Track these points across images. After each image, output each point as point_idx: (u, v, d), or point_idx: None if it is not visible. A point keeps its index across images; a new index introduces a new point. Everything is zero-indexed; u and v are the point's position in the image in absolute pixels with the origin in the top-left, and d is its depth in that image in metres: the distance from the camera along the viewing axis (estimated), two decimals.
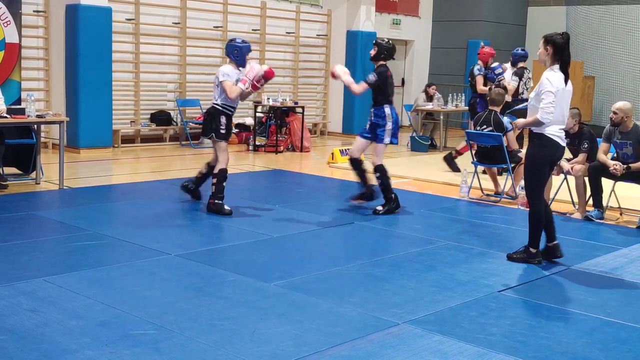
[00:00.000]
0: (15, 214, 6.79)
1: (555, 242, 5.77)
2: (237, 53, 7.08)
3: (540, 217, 5.58)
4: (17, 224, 6.40)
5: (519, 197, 8.14)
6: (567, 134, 7.70)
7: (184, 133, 12.67)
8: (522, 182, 8.25)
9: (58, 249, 5.76)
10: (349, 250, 6.06)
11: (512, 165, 8.41)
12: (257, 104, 12.89)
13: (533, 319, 4.44)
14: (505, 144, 8.25)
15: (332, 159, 11.08)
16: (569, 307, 4.69)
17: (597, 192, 7.40)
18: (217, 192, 7.04)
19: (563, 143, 5.58)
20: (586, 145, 7.55)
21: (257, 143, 12.48)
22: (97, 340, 3.80)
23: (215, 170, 7.10)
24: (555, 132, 5.47)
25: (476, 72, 10.67)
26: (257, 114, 12.89)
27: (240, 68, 7.14)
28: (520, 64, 10.40)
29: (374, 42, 7.55)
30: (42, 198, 7.83)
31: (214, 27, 13.29)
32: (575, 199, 7.75)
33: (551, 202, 7.85)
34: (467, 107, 14.52)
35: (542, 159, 5.53)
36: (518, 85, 10.24)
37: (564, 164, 7.61)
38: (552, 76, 5.35)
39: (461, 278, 5.26)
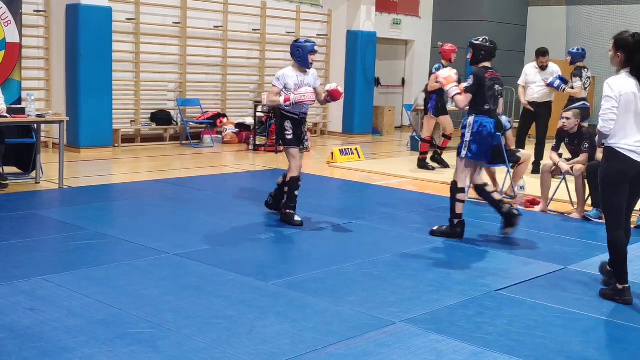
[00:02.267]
0: (15, 213, 6.81)
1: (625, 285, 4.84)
2: (299, 53, 6.65)
3: (619, 245, 4.73)
4: (17, 223, 6.41)
5: (517, 196, 8.15)
6: (567, 134, 7.75)
7: (184, 133, 12.69)
8: (521, 182, 8.30)
9: (57, 248, 5.78)
10: (347, 250, 6.07)
11: (511, 164, 8.42)
12: (257, 103, 12.90)
13: (530, 318, 4.45)
14: (503, 143, 8.26)
15: (332, 159, 11.09)
16: (566, 306, 4.71)
17: (595, 191, 7.40)
18: (288, 201, 6.73)
19: None
20: (587, 145, 7.56)
21: (257, 142, 12.49)
22: (96, 339, 3.82)
23: (287, 179, 6.78)
24: (628, 145, 4.67)
25: (434, 70, 10.65)
26: (257, 114, 12.91)
27: (306, 70, 6.72)
28: (579, 64, 10.30)
29: (469, 44, 6.64)
30: (42, 197, 7.85)
31: (214, 26, 13.30)
32: (574, 199, 7.76)
33: (550, 202, 7.88)
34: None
35: (612, 177, 4.72)
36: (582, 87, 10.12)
37: (563, 165, 7.62)
38: (614, 81, 4.72)
39: (458, 277, 5.28)
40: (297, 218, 6.66)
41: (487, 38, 6.44)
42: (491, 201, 6.51)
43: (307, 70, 6.72)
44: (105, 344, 3.76)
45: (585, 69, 10.29)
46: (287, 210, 6.71)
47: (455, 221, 6.38)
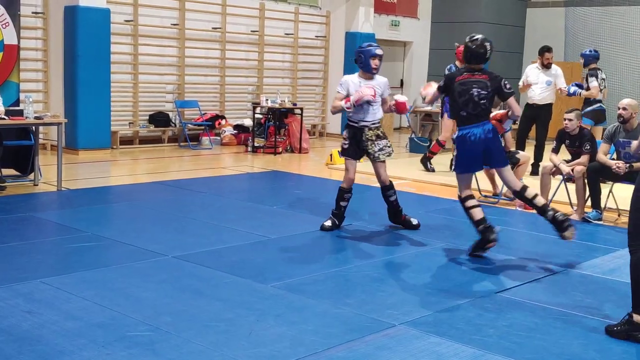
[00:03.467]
0: (13, 215, 6.79)
1: None
2: (361, 59, 6.41)
3: None
4: (15, 225, 6.40)
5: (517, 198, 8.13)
6: (568, 135, 7.74)
7: (182, 134, 12.68)
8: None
9: (55, 250, 5.76)
10: (346, 252, 6.06)
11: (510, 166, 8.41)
12: (255, 105, 12.89)
13: (530, 320, 4.44)
14: (503, 145, 8.24)
15: (331, 161, 11.08)
16: (566, 308, 4.69)
17: (595, 193, 7.40)
18: (333, 208, 6.68)
19: None
20: (588, 147, 7.55)
21: (256, 144, 12.48)
22: (94, 342, 3.80)
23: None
24: None
25: (447, 71, 10.62)
26: (256, 115, 12.90)
27: (372, 76, 6.45)
28: (592, 65, 10.26)
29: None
30: (40, 199, 7.83)
31: (212, 28, 13.29)
32: (574, 200, 7.75)
33: (549, 204, 7.86)
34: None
35: None
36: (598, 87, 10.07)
37: (564, 167, 7.61)
38: None
39: (458, 279, 5.27)
40: (326, 223, 6.64)
41: (484, 38, 5.84)
42: (534, 207, 5.87)
43: (373, 76, 6.44)
44: (104, 347, 3.74)
45: (600, 70, 10.24)
46: (331, 216, 6.68)
47: (480, 227, 5.87)
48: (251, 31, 13.94)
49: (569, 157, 7.89)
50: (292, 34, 14.70)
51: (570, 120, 7.60)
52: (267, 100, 12.49)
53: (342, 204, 6.60)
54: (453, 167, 6.21)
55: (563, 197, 8.03)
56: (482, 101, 5.72)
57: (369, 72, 6.41)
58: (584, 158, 7.52)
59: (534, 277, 5.38)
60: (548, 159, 7.99)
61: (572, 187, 7.74)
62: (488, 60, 5.85)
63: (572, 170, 7.50)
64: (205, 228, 6.59)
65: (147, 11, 12.23)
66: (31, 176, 8.52)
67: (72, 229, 6.33)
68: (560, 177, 7.87)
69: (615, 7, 16.55)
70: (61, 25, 10.96)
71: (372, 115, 6.43)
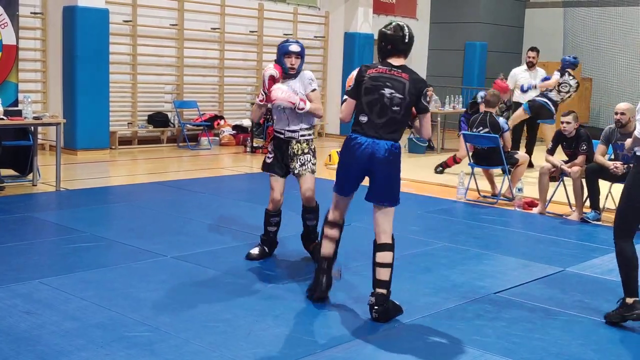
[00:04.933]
0: (11, 215, 6.79)
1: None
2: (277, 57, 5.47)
3: (629, 254, 4.38)
4: (14, 226, 6.39)
5: (515, 198, 8.15)
6: (564, 137, 7.75)
7: (181, 135, 12.67)
8: (519, 184, 8.30)
9: (54, 250, 5.76)
10: (345, 252, 6.05)
11: (509, 166, 8.42)
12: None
13: (528, 320, 4.44)
14: (501, 145, 8.26)
15: (330, 161, 11.08)
16: (565, 308, 4.70)
17: (594, 193, 7.41)
18: (262, 234, 5.79)
19: None
20: (584, 147, 7.56)
21: (255, 144, 12.47)
22: (93, 342, 3.80)
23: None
24: None
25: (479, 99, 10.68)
26: None
27: (290, 75, 5.41)
28: (568, 70, 10.32)
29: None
30: (39, 200, 7.82)
31: (211, 28, 13.28)
32: (572, 201, 7.75)
33: (548, 204, 7.88)
34: (464, 109, 14.57)
35: (635, 189, 4.34)
36: (557, 81, 10.20)
37: (565, 167, 7.62)
38: None
39: (457, 280, 5.27)
40: (252, 250, 5.67)
41: (402, 24, 4.40)
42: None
43: (293, 76, 5.37)
44: (103, 348, 3.74)
45: (572, 77, 10.29)
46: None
47: (317, 266, 4.72)
48: (250, 31, 13.94)
49: (565, 158, 7.90)
50: (291, 35, 14.69)
51: (568, 122, 7.61)
52: None
53: (270, 229, 5.63)
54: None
55: (562, 198, 8.04)
56: (395, 108, 4.28)
57: (285, 73, 5.33)
58: (580, 158, 7.53)
59: (532, 277, 5.39)
60: (543, 158, 8.00)
61: (570, 187, 7.75)
62: (409, 51, 4.40)
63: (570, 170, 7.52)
64: (203, 228, 6.58)
65: (146, 11, 12.21)
66: (30, 176, 8.51)
67: (71, 229, 6.33)
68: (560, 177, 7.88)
69: (613, 8, 16.56)
70: (60, 25, 10.95)
71: (295, 124, 5.37)
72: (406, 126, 4.47)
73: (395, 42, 4.33)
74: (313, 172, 5.50)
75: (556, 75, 10.26)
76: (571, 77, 10.28)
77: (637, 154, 4.34)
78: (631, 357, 3.98)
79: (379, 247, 4.43)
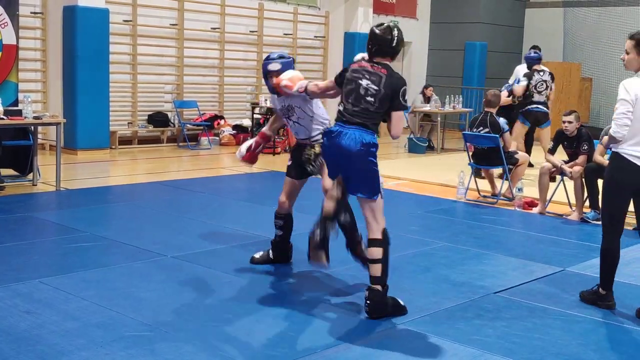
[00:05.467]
0: (12, 215, 6.79)
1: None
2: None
3: (612, 252, 4.65)
4: (14, 226, 6.39)
5: (515, 198, 8.15)
6: (566, 137, 7.75)
7: (181, 134, 12.67)
8: (519, 184, 8.30)
9: (54, 250, 5.76)
10: (345, 252, 6.06)
11: (509, 166, 8.42)
12: (254, 105, 12.89)
13: (528, 320, 4.44)
14: (501, 146, 8.26)
15: None
16: (564, 308, 4.70)
17: (593, 193, 7.40)
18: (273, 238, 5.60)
19: None
20: (586, 147, 7.56)
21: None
22: (93, 342, 3.80)
23: None
24: (635, 152, 4.44)
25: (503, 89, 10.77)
26: (255, 116, 12.90)
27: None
28: (534, 67, 10.39)
29: None
30: (39, 199, 7.82)
31: (211, 28, 13.28)
32: (572, 201, 7.76)
33: (548, 204, 7.88)
34: (464, 109, 14.59)
35: (616, 184, 4.51)
36: (527, 87, 10.20)
37: (566, 167, 7.62)
38: (630, 83, 4.50)
39: (457, 279, 5.27)
40: (255, 254, 5.50)
41: (393, 26, 4.41)
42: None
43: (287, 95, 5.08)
44: (103, 347, 3.74)
45: (541, 72, 10.29)
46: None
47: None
48: (250, 31, 13.94)
49: (565, 157, 7.90)
50: (291, 34, 14.70)
51: (570, 122, 7.60)
52: (266, 100, 12.47)
53: (276, 232, 5.43)
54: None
55: (562, 198, 8.04)
56: (369, 98, 4.32)
57: (272, 93, 5.24)
58: (582, 158, 7.53)
59: (532, 277, 5.39)
60: (545, 160, 8.01)
61: (570, 187, 7.75)
62: (396, 54, 4.42)
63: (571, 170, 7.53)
64: (204, 228, 6.58)
65: (146, 11, 12.22)
66: (30, 176, 8.51)
67: (71, 229, 6.33)
68: (559, 177, 7.88)
69: (613, 8, 16.57)
70: (60, 25, 10.95)
71: (304, 132, 5.23)
72: (380, 120, 4.43)
73: (381, 44, 4.36)
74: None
75: (523, 82, 10.26)
76: (542, 73, 10.30)
77: (613, 150, 4.51)
78: (631, 358, 3.98)
79: (368, 243, 4.40)
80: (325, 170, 4.86)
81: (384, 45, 4.35)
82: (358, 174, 4.34)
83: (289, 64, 5.17)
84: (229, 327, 4.11)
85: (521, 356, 3.87)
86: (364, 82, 4.34)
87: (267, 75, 5.13)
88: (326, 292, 4.83)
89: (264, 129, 5.53)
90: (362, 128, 4.34)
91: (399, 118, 4.41)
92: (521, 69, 11.11)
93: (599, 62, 16.69)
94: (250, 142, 5.52)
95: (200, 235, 6.31)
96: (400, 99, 4.32)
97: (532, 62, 10.47)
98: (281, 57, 5.21)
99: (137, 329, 4.02)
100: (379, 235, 4.36)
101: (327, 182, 4.75)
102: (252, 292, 4.78)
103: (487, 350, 3.92)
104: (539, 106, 10.19)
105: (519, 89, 10.25)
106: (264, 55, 13.94)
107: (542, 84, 10.22)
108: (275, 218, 5.44)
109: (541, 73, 10.28)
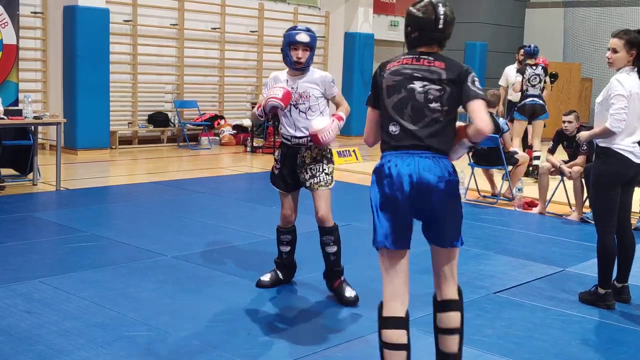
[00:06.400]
0: (12, 215, 6.79)
1: (624, 284, 4.87)
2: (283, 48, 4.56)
3: (609, 249, 4.69)
4: (14, 225, 6.39)
5: (515, 198, 8.15)
6: (565, 136, 7.75)
7: (181, 134, 12.68)
8: (519, 184, 8.30)
9: (54, 250, 5.76)
10: (344, 252, 6.04)
11: (509, 167, 8.42)
12: (254, 105, 12.86)
13: (528, 320, 4.44)
14: (501, 146, 8.26)
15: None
16: (565, 308, 4.70)
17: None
18: (276, 257, 5.07)
19: (638, 160, 4.57)
20: (585, 148, 7.55)
21: (255, 144, 12.48)
22: (93, 342, 3.80)
23: None
24: (626, 146, 4.55)
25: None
26: None
27: (298, 71, 4.56)
28: (528, 62, 10.43)
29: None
30: (39, 199, 7.83)
31: (211, 28, 13.29)
32: (572, 201, 7.75)
33: (548, 204, 7.88)
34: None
35: (609, 178, 4.59)
36: (522, 83, 10.26)
37: (565, 167, 7.62)
38: (625, 78, 4.53)
39: (457, 279, 5.25)
40: (262, 277, 4.90)
41: (432, 1, 3.19)
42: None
43: (303, 72, 4.52)
44: (103, 347, 3.74)
45: (533, 67, 10.30)
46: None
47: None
48: (250, 31, 13.94)
49: (566, 157, 7.90)
50: None
51: (569, 122, 7.61)
52: None
53: (283, 249, 4.91)
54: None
55: (562, 198, 8.04)
56: (433, 104, 3.11)
57: (291, 67, 4.51)
58: (581, 158, 7.53)
59: (532, 278, 5.39)
60: (545, 160, 8.01)
61: (570, 187, 7.75)
62: (445, 40, 3.24)
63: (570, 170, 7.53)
64: (204, 228, 6.58)
65: (146, 11, 12.22)
66: (30, 176, 8.51)
67: (71, 228, 6.33)
68: (559, 177, 7.88)
69: (613, 8, 16.58)
70: (60, 25, 10.95)
71: (306, 129, 4.50)
72: (454, 134, 3.20)
73: (424, 28, 3.17)
74: (327, 184, 4.65)
75: (518, 78, 10.32)
76: (534, 67, 10.33)
77: (602, 145, 4.60)
78: (631, 358, 3.98)
79: (441, 306, 3.30)
80: (320, 192, 4.43)
81: (428, 29, 3.16)
82: (444, 217, 3.24)
83: (316, 40, 4.54)
84: (229, 327, 4.10)
85: (521, 356, 3.87)
86: (418, 85, 3.13)
87: (291, 45, 4.41)
88: (326, 292, 4.82)
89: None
90: (437, 154, 3.11)
91: (479, 107, 3.10)
92: (510, 70, 11.14)
93: (599, 63, 16.68)
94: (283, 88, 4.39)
95: (200, 235, 6.31)
96: (470, 85, 3.11)
97: (526, 56, 10.49)
98: (309, 30, 4.53)
99: (137, 328, 4.02)
100: (455, 295, 3.32)
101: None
102: (252, 292, 4.78)
103: (487, 350, 3.92)
104: (535, 99, 10.18)
105: (516, 85, 10.31)
106: (264, 56, 14.14)
107: (536, 78, 10.23)
108: (281, 234, 4.89)
109: (534, 67, 10.31)
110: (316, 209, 4.66)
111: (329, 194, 4.65)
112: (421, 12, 3.19)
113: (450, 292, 3.31)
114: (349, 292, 4.64)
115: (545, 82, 10.35)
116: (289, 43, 4.42)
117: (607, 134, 4.55)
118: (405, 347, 3.16)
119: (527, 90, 10.20)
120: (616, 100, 4.50)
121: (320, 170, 4.66)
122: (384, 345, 3.16)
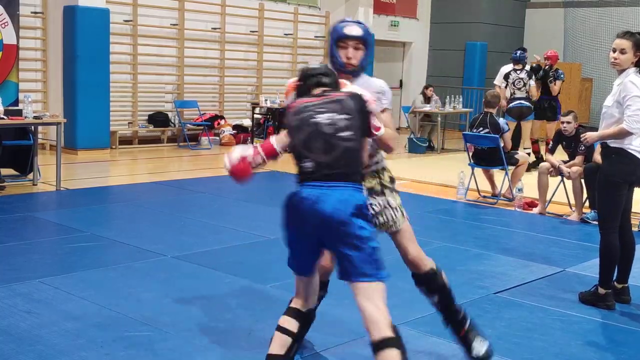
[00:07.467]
0: (12, 215, 6.79)
1: (624, 285, 4.91)
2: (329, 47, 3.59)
3: (613, 249, 4.69)
4: (14, 225, 6.39)
5: (515, 199, 8.15)
6: (564, 137, 7.76)
7: (181, 134, 12.68)
8: (519, 184, 8.30)
9: (54, 250, 5.76)
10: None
11: (509, 167, 8.42)
12: (255, 105, 12.89)
13: (528, 321, 4.44)
14: (501, 146, 8.26)
15: None
16: (564, 309, 4.70)
17: (593, 193, 7.40)
18: None
19: None
20: (583, 148, 7.56)
21: (255, 145, 12.47)
22: (93, 342, 3.81)
23: None
24: (636, 146, 4.61)
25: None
26: (255, 116, 12.91)
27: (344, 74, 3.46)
28: (515, 67, 10.93)
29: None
30: (39, 199, 7.83)
31: (211, 28, 13.29)
32: (572, 201, 7.75)
33: (548, 204, 7.88)
34: (464, 109, 14.60)
35: (620, 178, 4.61)
36: (506, 87, 10.86)
37: (564, 167, 7.63)
38: (638, 80, 4.54)
39: (457, 280, 5.25)
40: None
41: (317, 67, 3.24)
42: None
43: (352, 77, 3.48)
44: (103, 347, 3.74)
45: (518, 71, 10.83)
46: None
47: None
48: (250, 31, 13.94)
49: (565, 157, 7.90)
50: (292, 34, 14.70)
51: (568, 122, 7.62)
52: (266, 100, 12.50)
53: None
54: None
55: (562, 198, 8.04)
56: (343, 133, 2.99)
57: (340, 70, 3.44)
58: (579, 159, 7.54)
59: (532, 278, 5.39)
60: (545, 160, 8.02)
61: (570, 187, 7.75)
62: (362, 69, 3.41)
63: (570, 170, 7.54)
64: (204, 228, 6.58)
65: (147, 11, 12.22)
66: (30, 176, 8.51)
67: (71, 228, 6.33)
68: (559, 177, 7.88)
69: (614, 8, 16.58)
70: (60, 25, 10.95)
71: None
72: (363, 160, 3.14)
73: (319, 77, 3.18)
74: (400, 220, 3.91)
75: (503, 84, 10.92)
76: (518, 72, 10.80)
77: (615, 146, 4.59)
78: (631, 358, 3.98)
79: (377, 346, 3.03)
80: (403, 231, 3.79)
81: (321, 77, 3.18)
82: (352, 251, 3.06)
83: (370, 36, 3.58)
84: (229, 327, 4.11)
85: (521, 357, 3.87)
86: (323, 117, 3.00)
87: (339, 42, 3.46)
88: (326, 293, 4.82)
89: (273, 142, 3.51)
90: (350, 184, 3.00)
91: (385, 137, 3.21)
92: (505, 69, 11.24)
93: (599, 63, 16.68)
94: (247, 149, 3.59)
95: (201, 235, 6.31)
96: (372, 120, 3.10)
97: (513, 60, 10.93)
98: (360, 23, 3.56)
99: (137, 329, 4.02)
100: (389, 332, 3.04)
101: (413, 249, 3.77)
102: (252, 292, 4.79)
103: None
104: (521, 101, 10.77)
105: (532, 90, 10.83)
106: (264, 56, 14.15)
107: (519, 82, 10.78)
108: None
109: (517, 72, 10.83)
110: (405, 252, 3.95)
111: (412, 230, 3.93)
112: (309, 71, 3.21)
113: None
114: (479, 347, 3.72)
115: (530, 86, 10.85)
116: (337, 39, 3.47)
117: (624, 135, 4.54)
118: (290, 334, 3.29)
119: (514, 93, 10.79)
120: (633, 102, 4.49)
121: (386, 204, 3.86)
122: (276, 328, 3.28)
